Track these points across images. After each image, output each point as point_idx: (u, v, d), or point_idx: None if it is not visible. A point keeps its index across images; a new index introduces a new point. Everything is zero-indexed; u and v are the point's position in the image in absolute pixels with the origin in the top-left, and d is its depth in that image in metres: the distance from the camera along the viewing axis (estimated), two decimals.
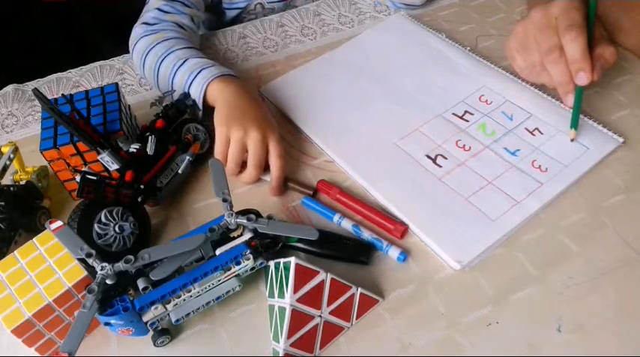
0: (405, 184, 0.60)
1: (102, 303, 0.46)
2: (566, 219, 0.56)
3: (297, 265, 0.45)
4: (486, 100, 0.68)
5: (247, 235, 0.50)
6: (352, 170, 0.62)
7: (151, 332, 0.49)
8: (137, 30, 0.75)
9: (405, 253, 0.54)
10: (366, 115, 0.68)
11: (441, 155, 0.62)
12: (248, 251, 0.49)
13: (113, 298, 0.46)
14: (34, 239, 0.52)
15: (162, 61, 0.70)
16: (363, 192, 0.61)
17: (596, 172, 0.59)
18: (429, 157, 0.62)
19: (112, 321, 0.45)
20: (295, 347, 0.46)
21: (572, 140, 0.61)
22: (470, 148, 0.63)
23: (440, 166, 0.61)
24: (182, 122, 0.64)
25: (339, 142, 0.66)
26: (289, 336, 0.45)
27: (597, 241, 0.54)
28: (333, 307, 0.48)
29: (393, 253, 0.54)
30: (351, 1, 0.89)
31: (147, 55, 0.72)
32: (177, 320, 0.48)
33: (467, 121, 0.66)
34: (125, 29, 0.78)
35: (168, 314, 0.48)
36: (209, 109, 0.67)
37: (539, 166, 0.60)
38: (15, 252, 0.51)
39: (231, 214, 0.49)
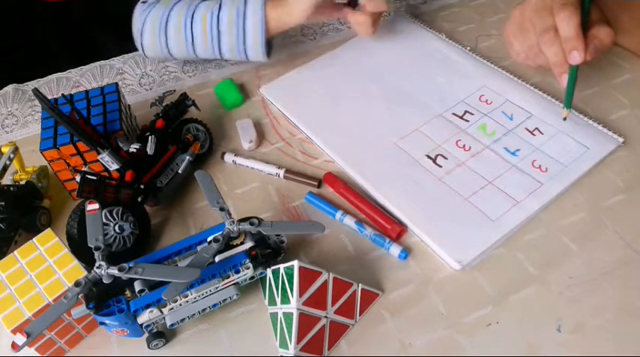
0: (405, 184, 0.60)
1: (98, 303, 0.46)
2: (566, 219, 0.56)
3: (300, 267, 0.45)
4: (486, 100, 0.68)
5: (248, 244, 0.50)
6: (352, 170, 0.62)
7: (146, 334, 0.49)
8: (138, 10, 0.72)
9: (407, 251, 0.54)
10: (366, 115, 0.68)
11: (441, 155, 0.62)
12: (247, 260, 0.49)
13: (109, 299, 0.46)
14: (34, 239, 0.52)
15: (193, 12, 0.68)
16: (365, 191, 0.61)
17: (596, 172, 0.59)
18: (429, 157, 0.62)
19: (107, 321, 0.45)
20: (305, 351, 0.46)
21: (564, 119, 0.62)
22: (470, 148, 0.63)
23: (440, 166, 0.61)
24: (182, 122, 0.65)
25: (339, 142, 0.66)
26: (298, 341, 0.45)
27: (597, 241, 0.54)
28: (337, 306, 0.48)
29: (395, 250, 0.54)
30: None
31: (167, 18, 0.69)
32: (172, 324, 0.48)
33: (467, 121, 0.66)
34: (125, 29, 0.78)
35: (164, 318, 0.48)
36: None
37: (540, 166, 0.60)
38: (15, 252, 0.51)
39: (233, 222, 0.48)
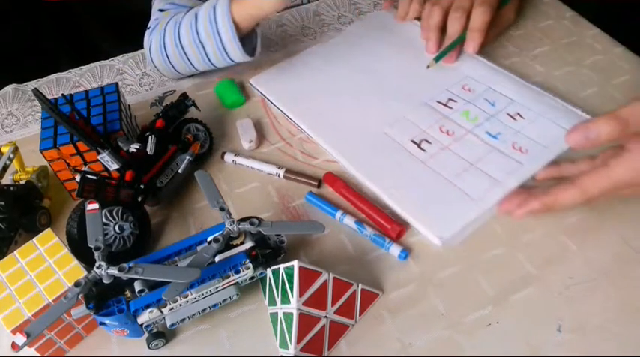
0: (390, 169, 0.61)
1: (98, 302, 0.46)
2: (566, 219, 0.56)
3: (300, 267, 0.45)
4: (469, 88, 0.70)
5: (248, 244, 0.50)
6: (340, 156, 0.64)
7: (146, 334, 0.49)
8: (146, 37, 0.76)
9: (407, 251, 0.54)
10: (354, 104, 0.70)
11: (426, 140, 0.64)
12: (247, 260, 0.49)
13: (109, 299, 0.46)
14: (34, 239, 0.52)
15: (179, 29, 0.70)
16: (365, 188, 0.61)
17: None
18: (414, 142, 0.64)
19: (107, 321, 0.45)
20: (305, 351, 0.46)
21: (427, 67, 0.72)
22: (453, 133, 0.64)
23: (424, 151, 0.63)
24: (182, 122, 0.65)
25: (327, 129, 0.67)
26: (298, 341, 0.45)
27: (597, 241, 0.54)
28: (337, 306, 0.48)
29: (395, 250, 0.54)
30: (351, 1, 0.89)
31: (164, 40, 0.71)
32: (172, 324, 0.48)
33: (450, 108, 0.68)
34: (125, 29, 0.78)
35: (164, 318, 0.48)
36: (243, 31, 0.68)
37: (520, 148, 0.62)
38: (15, 252, 0.51)
39: (233, 222, 0.48)
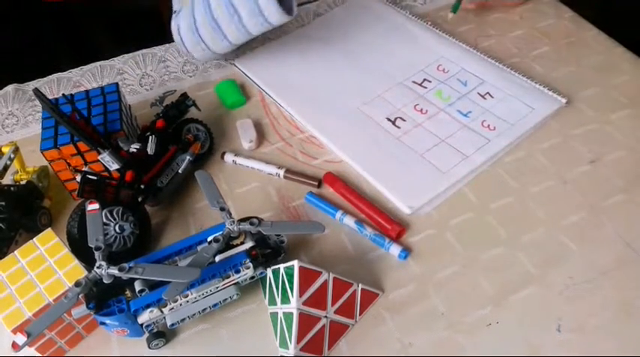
0: (364, 143, 0.65)
1: (98, 302, 0.46)
2: (566, 219, 0.56)
3: (300, 267, 0.45)
4: (443, 69, 0.73)
5: (248, 244, 0.50)
6: (316, 131, 0.67)
7: (146, 334, 0.49)
8: (172, 23, 0.73)
9: (407, 251, 0.54)
10: (334, 84, 0.73)
11: (400, 118, 0.68)
12: (248, 260, 0.49)
13: (110, 298, 0.46)
14: (34, 239, 0.52)
15: (209, 2, 0.67)
16: (367, 187, 0.61)
17: (595, 173, 0.60)
18: (389, 119, 0.68)
19: (107, 321, 0.46)
20: (305, 351, 0.46)
21: (449, 18, 0.78)
22: (427, 111, 0.68)
23: (398, 128, 0.67)
24: (182, 122, 0.65)
25: (306, 106, 0.70)
26: (298, 341, 0.45)
27: (597, 241, 0.54)
28: (337, 305, 0.48)
29: (395, 250, 0.54)
30: None
31: (194, 16, 0.69)
32: (173, 324, 0.48)
33: (425, 87, 0.71)
34: (125, 29, 0.78)
35: (164, 318, 0.48)
36: None
37: (488, 125, 0.66)
38: (15, 252, 0.51)
39: (233, 222, 0.48)
